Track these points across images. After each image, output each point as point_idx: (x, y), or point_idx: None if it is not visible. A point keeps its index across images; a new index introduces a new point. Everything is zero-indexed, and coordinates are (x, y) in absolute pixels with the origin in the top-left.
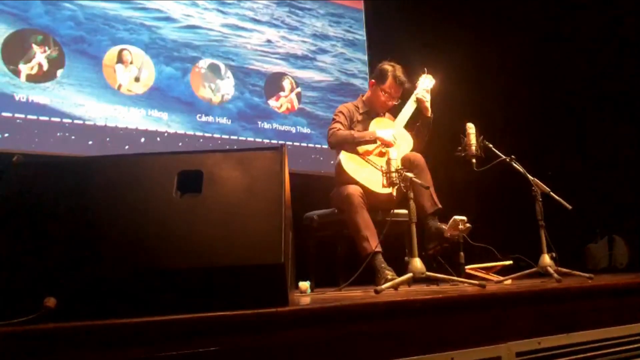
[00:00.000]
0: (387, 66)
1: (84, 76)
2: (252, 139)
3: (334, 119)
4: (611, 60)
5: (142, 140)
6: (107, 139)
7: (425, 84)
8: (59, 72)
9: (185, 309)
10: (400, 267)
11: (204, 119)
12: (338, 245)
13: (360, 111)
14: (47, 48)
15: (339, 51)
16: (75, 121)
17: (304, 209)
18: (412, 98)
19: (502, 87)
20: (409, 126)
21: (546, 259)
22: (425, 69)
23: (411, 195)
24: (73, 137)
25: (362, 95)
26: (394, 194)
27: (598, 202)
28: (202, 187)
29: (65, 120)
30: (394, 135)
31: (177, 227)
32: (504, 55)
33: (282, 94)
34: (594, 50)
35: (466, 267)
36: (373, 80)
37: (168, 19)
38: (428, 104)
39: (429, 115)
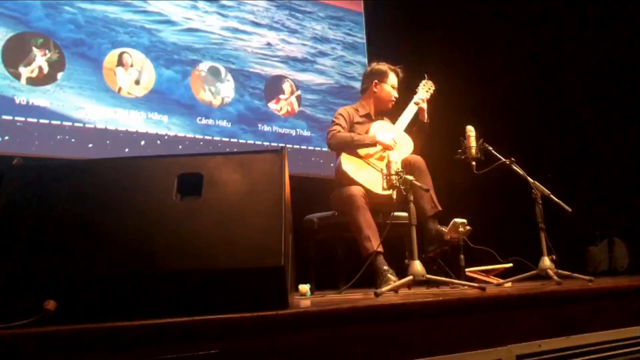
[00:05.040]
0: (380, 65)
1: (84, 79)
2: (252, 142)
3: (333, 122)
4: (611, 61)
5: (142, 143)
6: (107, 141)
7: (424, 91)
8: (59, 75)
9: (186, 311)
10: (401, 270)
11: (204, 121)
12: (338, 248)
13: (360, 114)
14: (47, 51)
15: (338, 54)
16: (75, 124)
17: (304, 211)
18: (413, 102)
19: (501, 89)
20: (408, 129)
21: (546, 261)
22: (426, 75)
23: (411, 197)
24: (73, 140)
25: (362, 99)
26: (394, 196)
27: (598, 205)
28: (202, 189)
29: (65, 123)
30: (394, 139)
31: (177, 229)
32: (503, 58)
33: (282, 96)
34: (594, 51)
35: (466, 269)
36: (376, 81)
37: (168, 22)
38: (425, 112)
39: (426, 121)
